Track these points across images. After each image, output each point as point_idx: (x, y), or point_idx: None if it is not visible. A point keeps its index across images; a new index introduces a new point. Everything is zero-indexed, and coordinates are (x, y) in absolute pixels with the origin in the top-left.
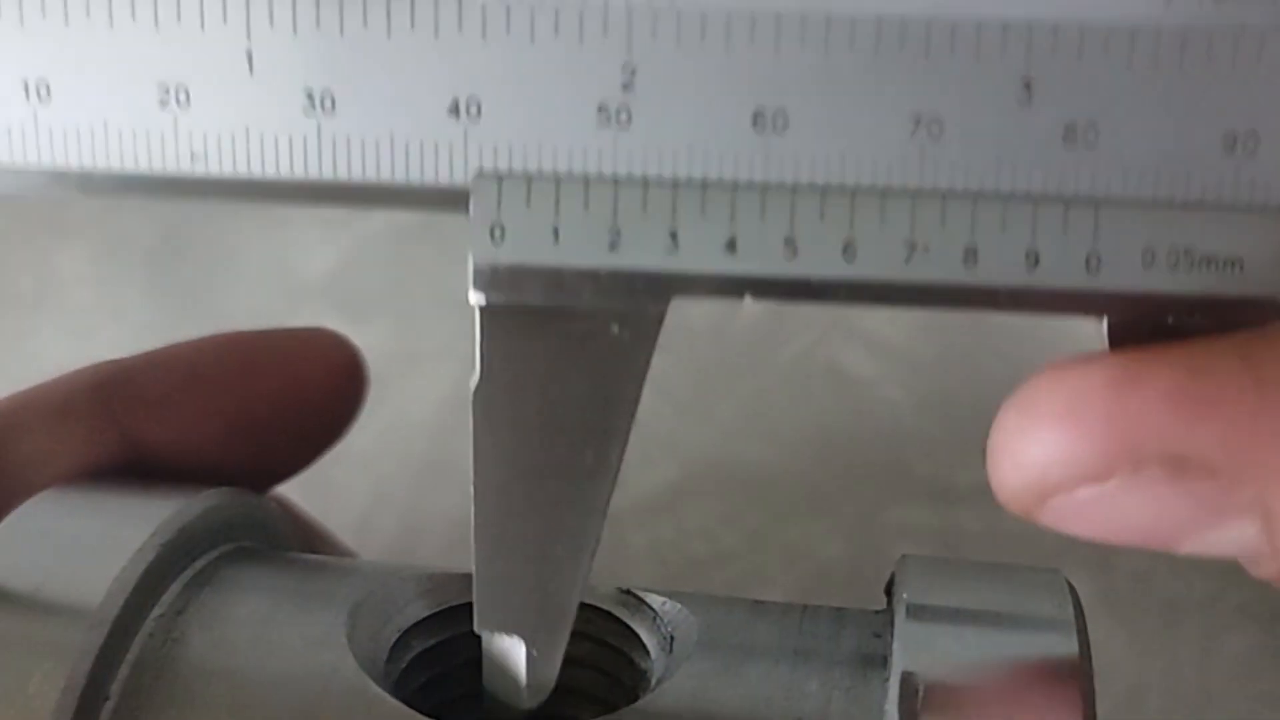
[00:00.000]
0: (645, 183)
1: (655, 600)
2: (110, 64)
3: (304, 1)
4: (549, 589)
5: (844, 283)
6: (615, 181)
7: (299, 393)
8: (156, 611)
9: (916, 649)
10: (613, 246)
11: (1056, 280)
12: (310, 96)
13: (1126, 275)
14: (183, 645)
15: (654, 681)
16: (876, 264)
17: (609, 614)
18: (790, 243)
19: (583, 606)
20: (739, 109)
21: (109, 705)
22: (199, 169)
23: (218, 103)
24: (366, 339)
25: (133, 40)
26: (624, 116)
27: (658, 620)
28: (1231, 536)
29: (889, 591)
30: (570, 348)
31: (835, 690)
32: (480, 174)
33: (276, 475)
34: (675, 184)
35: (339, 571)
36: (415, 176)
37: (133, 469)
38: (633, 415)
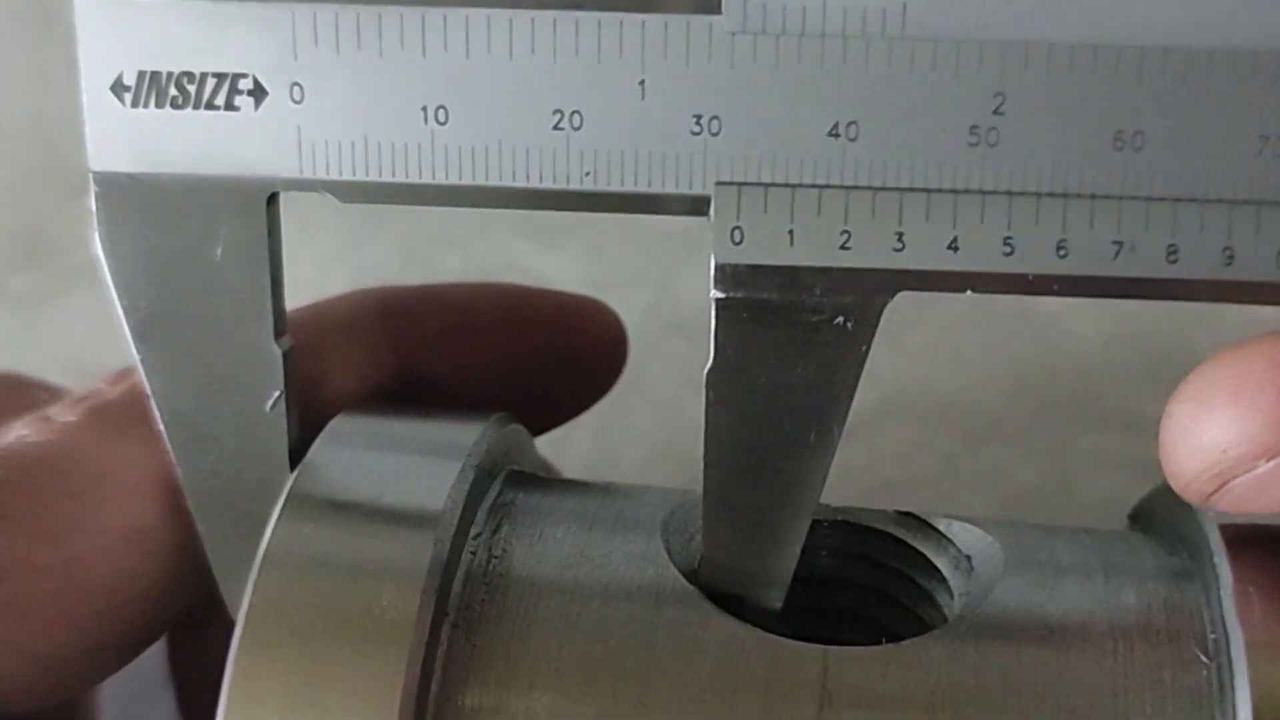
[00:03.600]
0: (873, 190)
1: (940, 522)
2: (506, 91)
3: (697, 40)
4: (770, 548)
5: (1057, 277)
6: (846, 189)
7: (566, 354)
8: (474, 530)
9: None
10: (843, 247)
11: (1250, 274)
12: (699, 120)
13: None
14: (507, 562)
15: (956, 599)
16: (1086, 261)
17: (885, 534)
18: (1008, 241)
19: (851, 527)
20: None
21: (448, 620)
22: (588, 185)
23: (607, 125)
24: (557, 266)
25: (529, 70)
26: (993, 138)
27: (945, 541)
28: None
29: (1135, 518)
30: (798, 338)
31: (1153, 601)
32: (720, 183)
33: (535, 425)
34: (900, 190)
35: (629, 494)
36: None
37: (401, 395)
38: (851, 397)
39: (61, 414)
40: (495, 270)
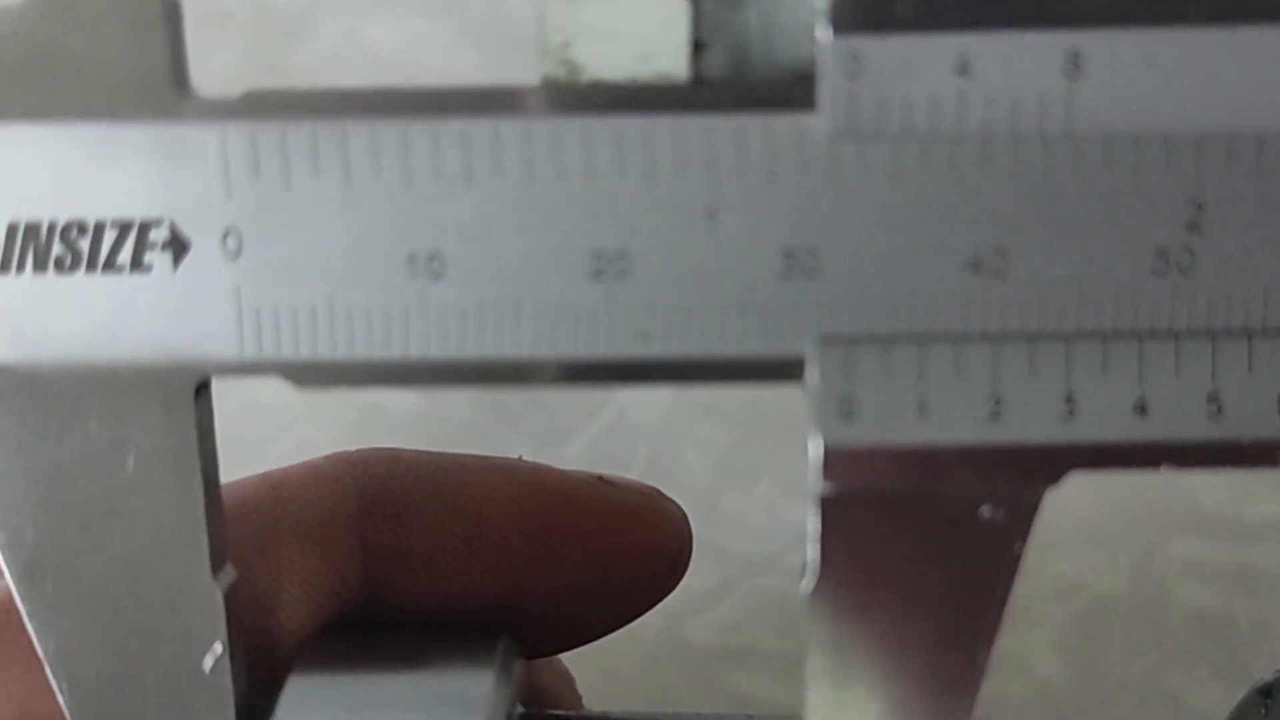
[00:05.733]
0: (1030, 338)
1: None
2: (526, 228)
3: (785, 148)
4: None
5: None
6: (993, 339)
7: (607, 573)
8: None
9: None
10: (993, 416)
11: None
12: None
13: None
14: None
15: None
16: None
17: None
18: (1214, 399)
19: None
20: None
21: None
22: (640, 350)
23: (664, 270)
24: None
25: (556, 198)
26: (1187, 261)
27: None
28: None
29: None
30: (934, 537)
31: None
32: (823, 338)
33: (550, 648)
34: (1066, 337)
35: None
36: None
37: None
38: (1003, 611)
39: None
40: None
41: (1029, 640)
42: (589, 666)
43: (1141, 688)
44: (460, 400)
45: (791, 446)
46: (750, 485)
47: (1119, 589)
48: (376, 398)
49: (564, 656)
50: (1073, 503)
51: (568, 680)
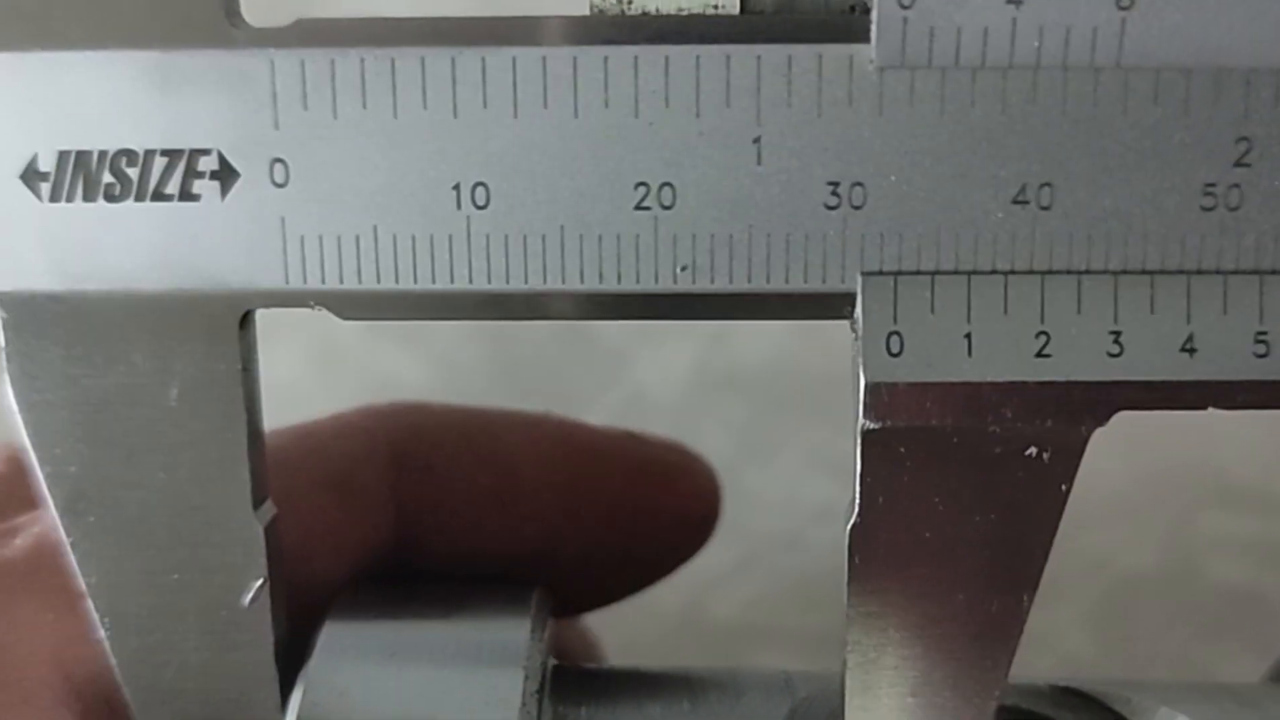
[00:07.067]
0: (1077, 276)
1: (1115, 700)
2: (570, 159)
3: (833, 79)
4: None
5: None
6: (1040, 275)
7: (638, 522)
8: None
9: None
10: (1041, 354)
11: None
12: (835, 189)
13: None
14: None
15: None
16: None
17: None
18: (1262, 339)
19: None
20: None
21: None
22: (684, 285)
23: (709, 201)
24: None
25: (600, 128)
26: (1235, 198)
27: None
28: None
29: None
30: (977, 478)
31: None
32: (868, 273)
33: (580, 605)
34: (1113, 274)
35: (718, 686)
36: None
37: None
38: (1047, 554)
39: None
40: None
41: (1058, 615)
42: (610, 642)
43: (1171, 662)
44: (474, 373)
45: (813, 422)
46: (771, 461)
47: (1148, 564)
48: (391, 369)
49: None
50: (1101, 477)
51: (594, 645)
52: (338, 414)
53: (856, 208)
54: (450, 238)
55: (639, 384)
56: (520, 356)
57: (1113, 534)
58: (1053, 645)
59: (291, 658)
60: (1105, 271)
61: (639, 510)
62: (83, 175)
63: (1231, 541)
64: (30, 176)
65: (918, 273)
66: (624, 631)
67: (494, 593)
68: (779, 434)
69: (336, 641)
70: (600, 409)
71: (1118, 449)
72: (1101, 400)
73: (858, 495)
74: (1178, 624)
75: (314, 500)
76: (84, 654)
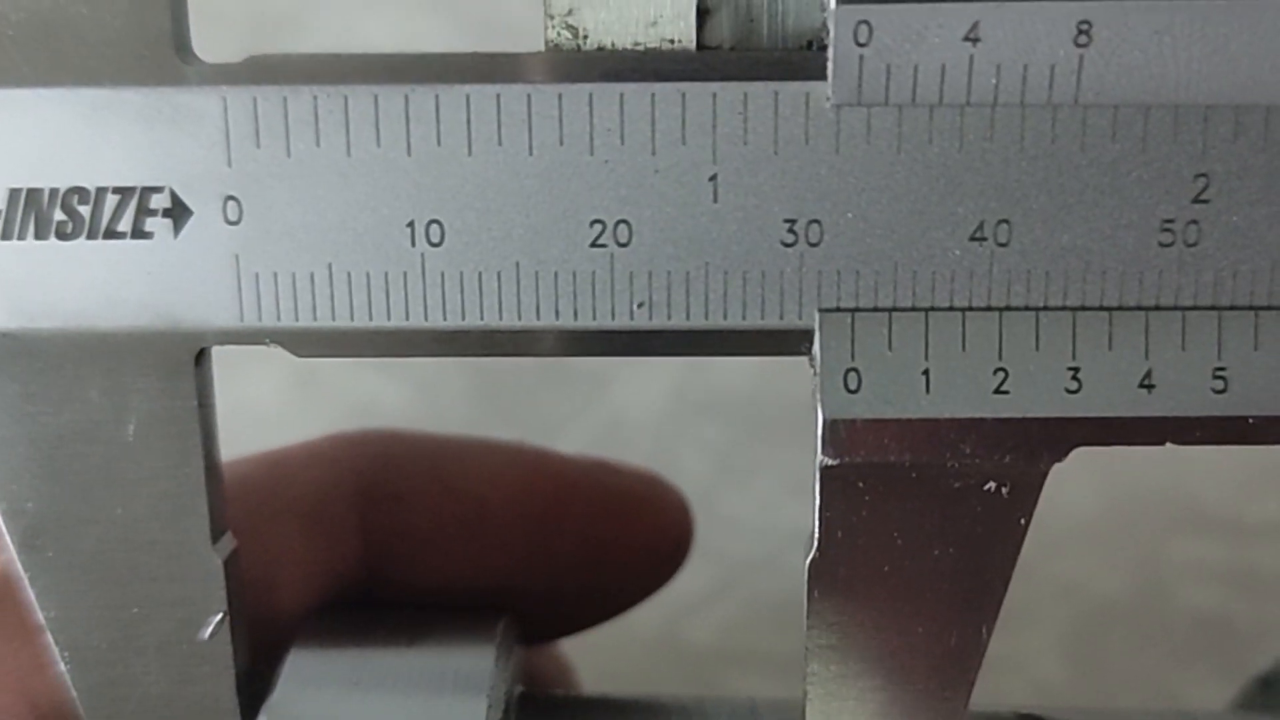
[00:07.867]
0: (1035, 312)
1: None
2: (525, 196)
3: (789, 116)
4: None
5: None
6: (998, 311)
7: (607, 555)
8: None
9: None
10: (999, 390)
11: None
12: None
13: None
14: None
15: None
16: None
17: None
18: (1220, 374)
19: None
20: None
21: None
22: (640, 321)
23: (666, 238)
24: None
25: (555, 166)
26: (1193, 234)
27: None
28: None
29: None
30: (936, 512)
31: None
32: (825, 310)
33: (550, 633)
34: (1071, 310)
35: (680, 714)
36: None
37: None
38: (1005, 588)
39: None
40: None
41: (1029, 641)
42: (586, 667)
43: (1142, 688)
44: (453, 397)
45: (790, 447)
46: (748, 486)
47: (1119, 590)
48: (369, 394)
49: None
50: (1072, 503)
51: (567, 670)
52: (307, 442)
53: (813, 245)
54: (405, 275)
55: (617, 408)
56: (499, 381)
57: (1084, 560)
58: (1024, 671)
59: (256, 686)
60: (1063, 308)
61: (608, 541)
62: (34, 213)
63: (1202, 568)
64: None
65: (875, 309)
66: (599, 656)
67: (460, 621)
68: (756, 459)
69: (301, 670)
70: (579, 433)
71: (1089, 476)
72: (1060, 436)
73: (817, 530)
74: (1148, 650)
75: (281, 529)
76: (49, 684)
